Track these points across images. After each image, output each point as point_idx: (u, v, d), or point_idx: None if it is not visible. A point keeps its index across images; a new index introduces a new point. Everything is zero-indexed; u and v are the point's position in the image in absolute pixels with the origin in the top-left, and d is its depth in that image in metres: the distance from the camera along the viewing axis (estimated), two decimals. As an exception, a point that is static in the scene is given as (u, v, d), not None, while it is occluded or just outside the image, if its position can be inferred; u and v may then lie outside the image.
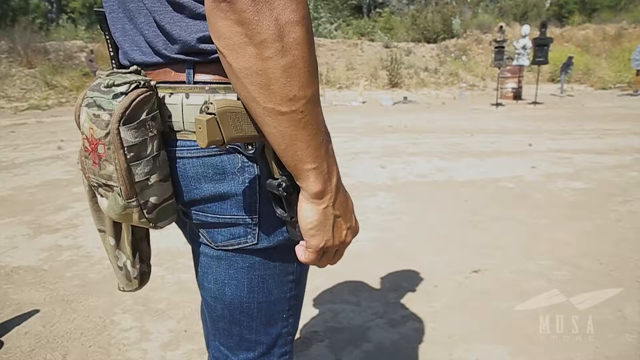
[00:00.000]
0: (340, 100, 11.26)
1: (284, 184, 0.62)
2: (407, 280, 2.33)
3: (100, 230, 0.85)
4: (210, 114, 0.56)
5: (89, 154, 0.65)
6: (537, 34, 10.28)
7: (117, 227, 0.82)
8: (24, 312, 2.11)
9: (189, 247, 0.83)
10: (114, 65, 0.80)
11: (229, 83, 0.62)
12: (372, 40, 19.10)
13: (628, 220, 3.10)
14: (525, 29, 10.71)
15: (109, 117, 0.60)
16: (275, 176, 0.63)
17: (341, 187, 0.63)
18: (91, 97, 0.65)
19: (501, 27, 10.08)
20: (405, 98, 11.50)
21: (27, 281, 2.42)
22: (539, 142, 5.87)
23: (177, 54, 0.64)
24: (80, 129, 0.67)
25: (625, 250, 2.62)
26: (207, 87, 0.63)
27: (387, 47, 17.60)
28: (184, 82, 0.65)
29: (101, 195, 0.69)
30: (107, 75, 0.66)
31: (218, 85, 0.63)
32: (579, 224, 3.04)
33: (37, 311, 2.11)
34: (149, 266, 0.88)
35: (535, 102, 10.17)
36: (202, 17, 0.61)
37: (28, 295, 2.27)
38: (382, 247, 2.74)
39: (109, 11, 0.72)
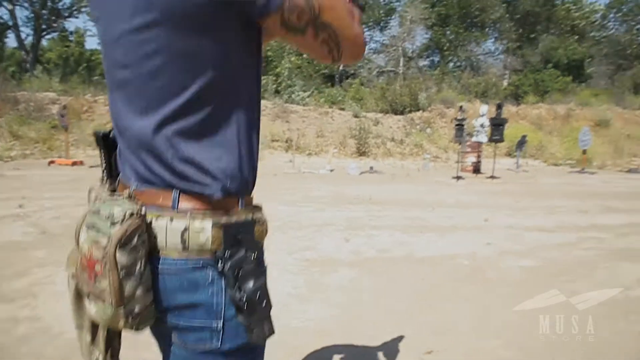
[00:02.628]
0: (309, 168, 11.57)
1: (244, 296, 0.79)
2: (365, 359, 2.41)
3: (78, 326, 0.96)
4: None
5: (84, 270, 0.79)
6: (494, 111, 11.06)
7: (94, 325, 0.94)
8: (-25, 389, 2.07)
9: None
10: (105, 176, 0.97)
11: (206, 211, 0.80)
12: (343, 109, 19.91)
13: (571, 302, 3.31)
14: (483, 108, 11.51)
15: (106, 241, 0.75)
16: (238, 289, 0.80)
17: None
18: (91, 221, 0.79)
19: (461, 106, 10.80)
20: (371, 168, 11.91)
21: (-20, 355, 2.37)
22: (495, 217, 6.20)
23: (168, 181, 0.81)
24: (78, 246, 0.80)
25: (567, 333, 2.79)
26: (188, 213, 0.79)
27: (356, 116, 18.37)
28: (169, 208, 0.80)
29: (90, 301, 0.82)
30: (105, 202, 0.81)
31: (197, 213, 0.79)
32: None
33: (-12, 389, 2.08)
34: (118, 361, 0.98)
35: (492, 177, 10.74)
36: (190, 154, 0.79)
37: (-20, 370, 2.23)
38: (343, 326, 2.82)
39: (116, 137, 0.91)
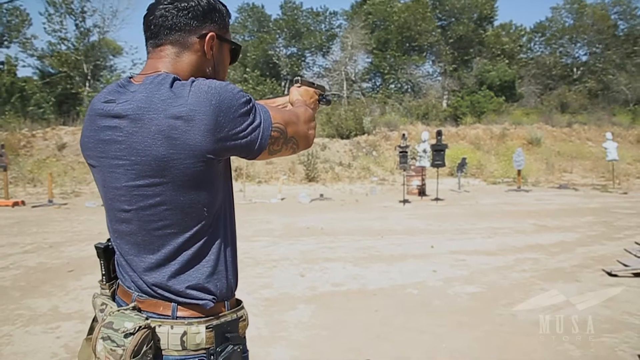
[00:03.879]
0: (260, 197, 11.70)
1: None
2: (325, 400, 2.59)
3: None
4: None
5: None
6: (435, 137, 11.70)
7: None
8: None
9: None
10: (104, 279, 1.13)
11: (200, 318, 1.00)
12: (290, 135, 20.12)
13: (509, 324, 3.64)
14: (425, 135, 12.16)
15: (122, 352, 0.92)
16: None
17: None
18: (106, 333, 0.95)
19: (404, 134, 11.37)
20: (321, 195, 12.20)
21: None
22: (440, 243, 6.59)
23: (167, 297, 1.00)
24: (95, 354, 0.96)
25: (507, 355, 3.11)
26: (186, 321, 0.99)
27: (304, 142, 18.66)
28: (169, 316, 0.99)
29: None
30: (115, 315, 0.98)
31: (192, 320, 0.99)
32: (471, 331, 3.53)
33: None
34: None
35: (437, 199, 11.30)
36: (187, 280, 0.98)
37: None
38: (302, 366, 3.00)
39: (117, 254, 1.07)
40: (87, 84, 24.36)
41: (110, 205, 1.04)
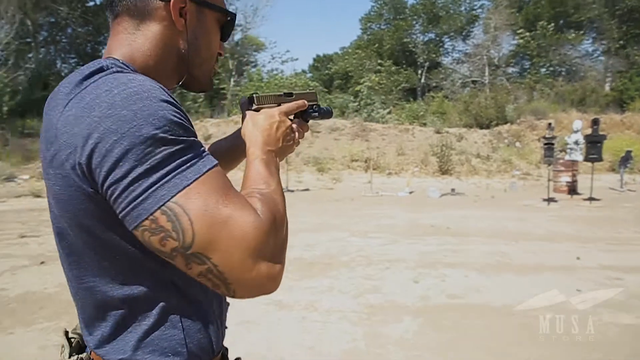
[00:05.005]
0: (388, 190, 11.32)
1: None
2: None
3: None
4: None
5: None
6: (590, 127, 10.05)
7: None
8: None
9: None
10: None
11: None
12: (424, 124, 19.38)
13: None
14: (577, 124, 10.52)
15: None
16: None
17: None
18: None
19: (550, 124, 9.97)
20: (452, 190, 11.38)
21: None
22: (590, 254, 5.54)
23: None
24: None
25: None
26: None
27: (438, 132, 17.76)
28: None
29: None
30: None
31: None
32: (621, 377, 2.78)
33: None
34: None
35: (591, 199, 9.72)
36: (121, 333, 0.72)
37: None
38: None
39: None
40: (232, 80, 26.28)
41: None
